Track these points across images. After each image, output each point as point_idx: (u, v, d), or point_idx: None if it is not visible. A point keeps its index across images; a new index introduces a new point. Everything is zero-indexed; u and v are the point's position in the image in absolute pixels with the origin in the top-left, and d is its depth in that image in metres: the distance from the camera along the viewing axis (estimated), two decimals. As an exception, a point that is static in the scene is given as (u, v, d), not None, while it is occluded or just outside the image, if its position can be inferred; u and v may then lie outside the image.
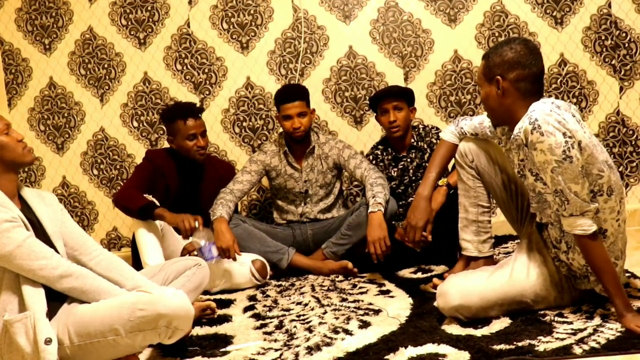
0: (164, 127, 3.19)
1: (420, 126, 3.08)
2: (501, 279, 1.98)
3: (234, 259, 2.74)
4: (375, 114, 3.07)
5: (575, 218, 1.80)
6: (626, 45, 3.40)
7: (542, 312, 1.98)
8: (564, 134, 1.74)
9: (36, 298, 1.71)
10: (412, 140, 3.04)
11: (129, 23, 3.67)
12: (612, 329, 1.79)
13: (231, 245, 2.74)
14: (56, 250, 1.86)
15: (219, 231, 2.78)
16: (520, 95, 1.91)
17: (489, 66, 1.95)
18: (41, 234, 1.85)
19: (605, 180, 1.83)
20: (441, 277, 2.62)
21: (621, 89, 3.43)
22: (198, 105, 3.06)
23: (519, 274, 1.99)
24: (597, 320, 1.87)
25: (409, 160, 3.04)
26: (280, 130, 3.22)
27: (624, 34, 3.39)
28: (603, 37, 3.41)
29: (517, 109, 1.91)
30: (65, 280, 1.76)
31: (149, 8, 3.65)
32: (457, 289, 1.97)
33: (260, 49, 3.61)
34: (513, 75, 1.90)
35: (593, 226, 1.80)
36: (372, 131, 3.58)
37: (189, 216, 2.68)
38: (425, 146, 3.01)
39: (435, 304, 2.10)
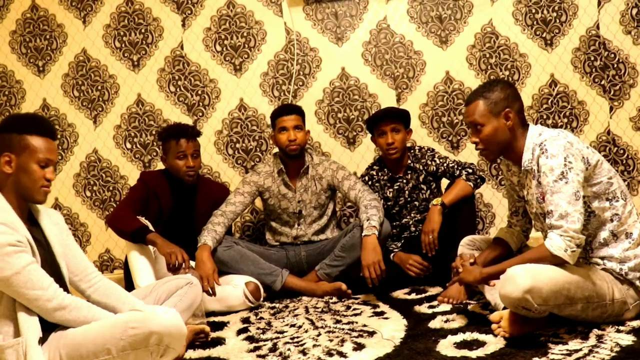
0: (159, 147, 3.19)
1: (416, 147, 3.09)
2: (564, 268, 1.95)
3: (212, 291, 2.67)
4: (371, 136, 3.08)
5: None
6: (615, 65, 3.44)
7: (537, 332, 1.98)
8: (565, 158, 1.94)
9: (30, 324, 1.70)
10: (409, 162, 3.04)
11: (123, 45, 3.68)
12: (607, 349, 1.78)
13: (210, 274, 2.70)
14: (61, 271, 1.86)
15: (200, 259, 2.75)
16: (521, 124, 2.13)
17: (493, 102, 2.11)
18: (48, 253, 1.85)
19: (616, 187, 2.02)
20: (435, 297, 2.62)
21: (611, 108, 3.47)
22: (194, 128, 3.08)
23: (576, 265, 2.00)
24: (592, 341, 1.87)
25: (404, 181, 3.05)
26: (275, 151, 3.22)
27: (612, 55, 3.44)
28: (592, 58, 3.45)
29: (519, 137, 2.12)
30: (58, 314, 1.74)
31: (143, 30, 3.67)
32: (526, 270, 1.89)
33: (254, 71, 3.63)
34: (517, 106, 2.12)
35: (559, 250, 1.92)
36: (365, 152, 3.59)
37: (178, 252, 2.61)
38: (421, 168, 3.02)
39: (498, 293, 1.98)
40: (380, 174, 3.10)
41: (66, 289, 1.89)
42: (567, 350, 1.82)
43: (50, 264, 1.82)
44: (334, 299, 2.81)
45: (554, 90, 3.48)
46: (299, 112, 3.08)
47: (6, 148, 1.80)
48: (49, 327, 1.77)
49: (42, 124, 1.86)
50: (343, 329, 2.31)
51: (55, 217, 1.98)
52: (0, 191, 1.79)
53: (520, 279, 1.87)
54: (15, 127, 1.82)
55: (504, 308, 2.06)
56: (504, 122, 2.10)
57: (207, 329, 2.34)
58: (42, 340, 1.71)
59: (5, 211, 1.75)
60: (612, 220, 2.01)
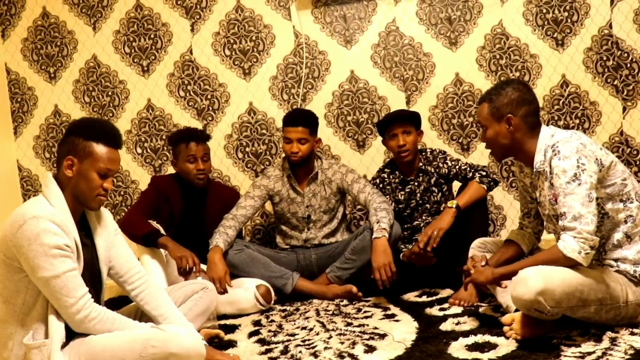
0: (170, 151, 3.22)
1: (428, 150, 3.07)
2: (576, 270, 1.93)
3: (224, 291, 2.71)
4: (382, 139, 3.07)
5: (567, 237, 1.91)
6: (628, 65, 3.40)
7: (550, 334, 1.95)
8: (578, 159, 1.92)
9: (57, 328, 1.72)
10: (420, 164, 3.03)
11: (133, 51, 3.71)
12: (621, 351, 1.76)
13: (222, 276, 2.72)
14: (100, 277, 1.90)
15: (211, 261, 2.77)
16: (529, 129, 2.10)
17: (495, 107, 2.12)
18: (92, 258, 1.87)
19: (630, 188, 2.01)
20: (446, 300, 2.60)
21: (624, 109, 3.43)
22: (204, 131, 3.11)
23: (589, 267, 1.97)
24: (605, 344, 1.84)
25: (416, 184, 3.03)
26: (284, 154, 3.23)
27: (625, 54, 3.40)
28: (605, 58, 3.42)
29: (526, 141, 2.11)
30: (83, 326, 1.76)
31: (152, 36, 3.69)
32: (539, 272, 1.87)
33: (263, 75, 3.64)
34: (522, 111, 2.09)
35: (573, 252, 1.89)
36: (375, 155, 3.58)
37: (189, 256, 2.64)
38: (433, 170, 3.00)
39: (510, 295, 1.96)
40: (391, 177, 3.08)
41: (99, 297, 1.92)
42: (580, 352, 1.79)
43: (92, 269, 1.85)
44: (345, 302, 2.80)
45: (565, 91, 3.45)
46: (307, 123, 2.99)
47: (71, 151, 1.82)
48: (72, 331, 1.79)
49: (109, 133, 1.86)
50: (354, 332, 2.31)
51: (105, 218, 1.98)
52: (62, 192, 1.81)
53: (533, 281, 1.85)
54: (83, 132, 1.83)
55: (516, 310, 2.04)
56: (506, 127, 2.10)
57: (222, 334, 2.35)
58: (63, 344, 1.74)
59: (63, 212, 1.77)
60: (626, 222, 1.99)
